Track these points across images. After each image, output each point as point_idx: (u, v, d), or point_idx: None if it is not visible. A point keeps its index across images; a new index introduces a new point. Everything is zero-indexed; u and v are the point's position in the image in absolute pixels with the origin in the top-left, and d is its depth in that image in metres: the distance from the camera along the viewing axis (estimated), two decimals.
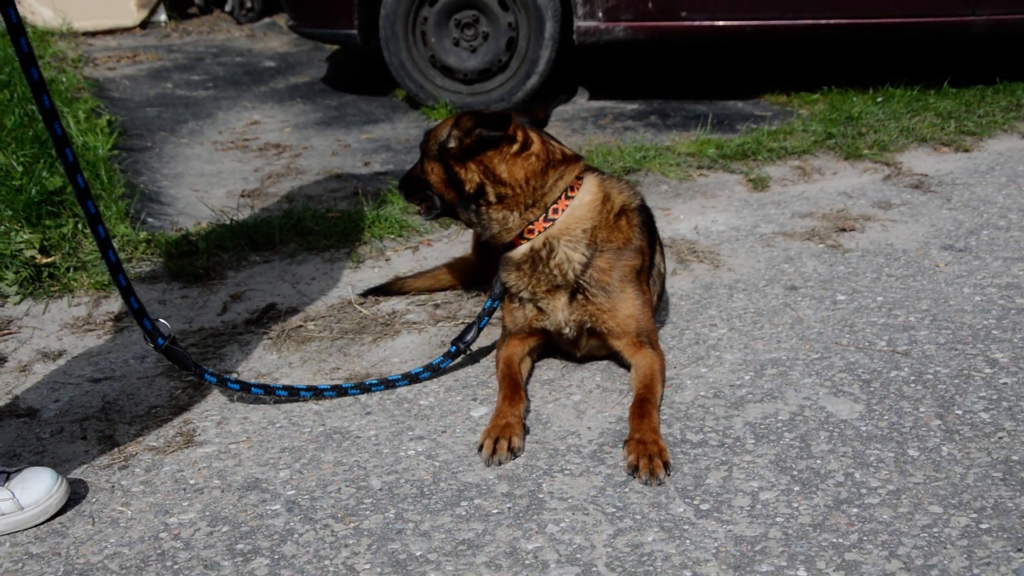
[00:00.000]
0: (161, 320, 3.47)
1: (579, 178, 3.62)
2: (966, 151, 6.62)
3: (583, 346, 3.79)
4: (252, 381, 3.70)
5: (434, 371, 3.77)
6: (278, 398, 3.65)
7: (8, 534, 2.94)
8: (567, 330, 3.69)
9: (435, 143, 3.63)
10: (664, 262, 4.07)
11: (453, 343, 3.80)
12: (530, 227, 3.55)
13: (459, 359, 3.85)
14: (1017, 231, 5.09)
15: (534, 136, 3.59)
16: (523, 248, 3.59)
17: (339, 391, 3.65)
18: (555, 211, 3.55)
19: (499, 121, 3.47)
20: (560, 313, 3.65)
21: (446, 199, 3.70)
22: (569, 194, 3.58)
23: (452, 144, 3.53)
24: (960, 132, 6.97)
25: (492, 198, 3.55)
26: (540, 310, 3.68)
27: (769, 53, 9.66)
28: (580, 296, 3.62)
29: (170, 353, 3.45)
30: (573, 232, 3.56)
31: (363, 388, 3.68)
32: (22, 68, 2.93)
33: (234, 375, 3.84)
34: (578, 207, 3.58)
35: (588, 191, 3.62)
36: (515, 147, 3.53)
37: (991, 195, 5.69)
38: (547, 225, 3.55)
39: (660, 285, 4.01)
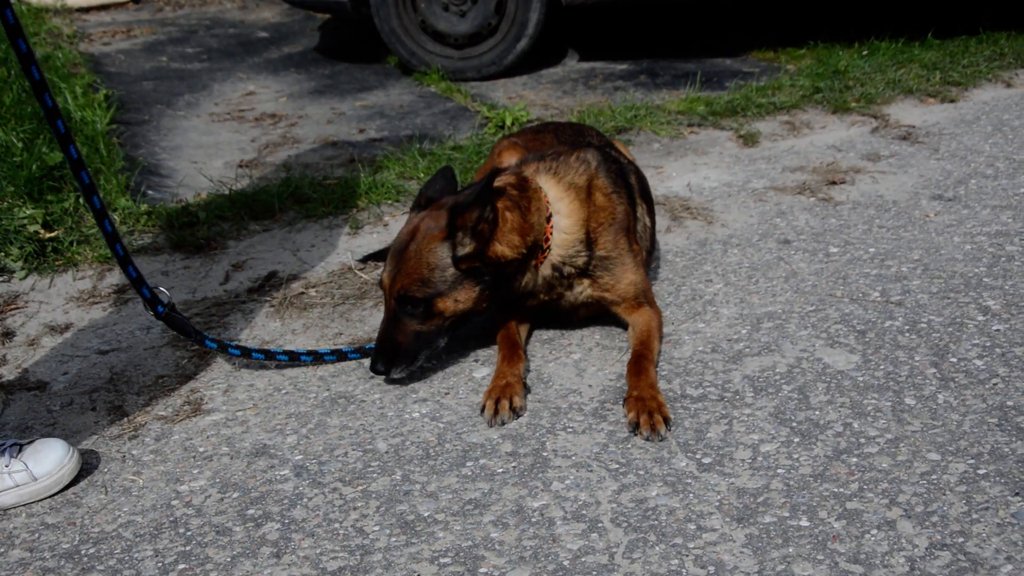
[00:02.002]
0: (160, 288, 3.50)
1: (536, 189, 3.54)
2: (952, 101, 6.65)
3: (581, 316, 3.82)
4: (253, 346, 3.74)
5: None
6: (279, 363, 3.69)
7: (23, 505, 2.99)
8: (567, 307, 3.74)
9: (439, 269, 3.34)
10: (649, 215, 4.04)
11: None
12: (535, 264, 3.54)
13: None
14: (1005, 179, 5.13)
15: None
16: (538, 283, 3.60)
17: (339, 355, 3.68)
18: (547, 240, 3.53)
19: (487, 191, 3.28)
20: (565, 301, 3.70)
21: (475, 311, 3.48)
22: (547, 214, 3.55)
23: (467, 248, 3.33)
24: (945, 83, 6.99)
25: (508, 275, 3.49)
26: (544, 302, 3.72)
27: (755, 9, 9.64)
28: (586, 280, 3.65)
29: (170, 320, 3.49)
30: (571, 247, 3.56)
31: (363, 352, 3.70)
32: (10, 41, 2.95)
33: (236, 342, 3.87)
34: (563, 224, 3.55)
35: (558, 199, 3.57)
36: (492, 216, 3.37)
37: (978, 144, 5.72)
38: (547, 255, 3.54)
39: (648, 239, 4.00)
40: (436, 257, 3.35)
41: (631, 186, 3.84)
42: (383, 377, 3.52)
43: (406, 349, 3.45)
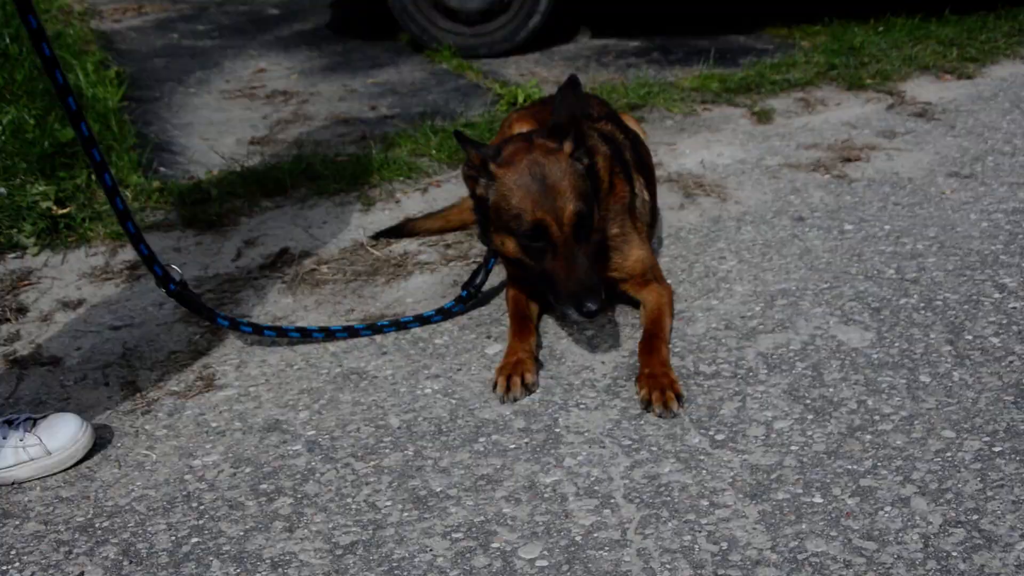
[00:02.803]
0: (172, 266, 3.50)
1: None
2: (969, 78, 6.59)
3: None
4: (264, 323, 3.74)
5: (446, 315, 3.78)
6: (291, 339, 3.69)
7: (38, 478, 3.00)
8: None
9: (584, 180, 3.28)
10: (648, 188, 3.98)
11: (464, 287, 3.78)
12: None
13: (470, 301, 3.83)
14: (1022, 156, 5.09)
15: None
16: None
17: (351, 332, 3.68)
18: None
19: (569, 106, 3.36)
20: None
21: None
22: None
23: (586, 160, 3.39)
24: (963, 59, 6.91)
25: None
26: None
27: None
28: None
29: (182, 298, 3.49)
30: None
31: (375, 329, 3.70)
32: (20, 17, 2.94)
33: (248, 319, 3.87)
34: None
35: None
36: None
37: (995, 121, 5.68)
38: None
39: (648, 214, 3.94)
40: (578, 171, 3.28)
41: (627, 162, 3.80)
42: (592, 318, 3.24)
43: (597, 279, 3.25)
